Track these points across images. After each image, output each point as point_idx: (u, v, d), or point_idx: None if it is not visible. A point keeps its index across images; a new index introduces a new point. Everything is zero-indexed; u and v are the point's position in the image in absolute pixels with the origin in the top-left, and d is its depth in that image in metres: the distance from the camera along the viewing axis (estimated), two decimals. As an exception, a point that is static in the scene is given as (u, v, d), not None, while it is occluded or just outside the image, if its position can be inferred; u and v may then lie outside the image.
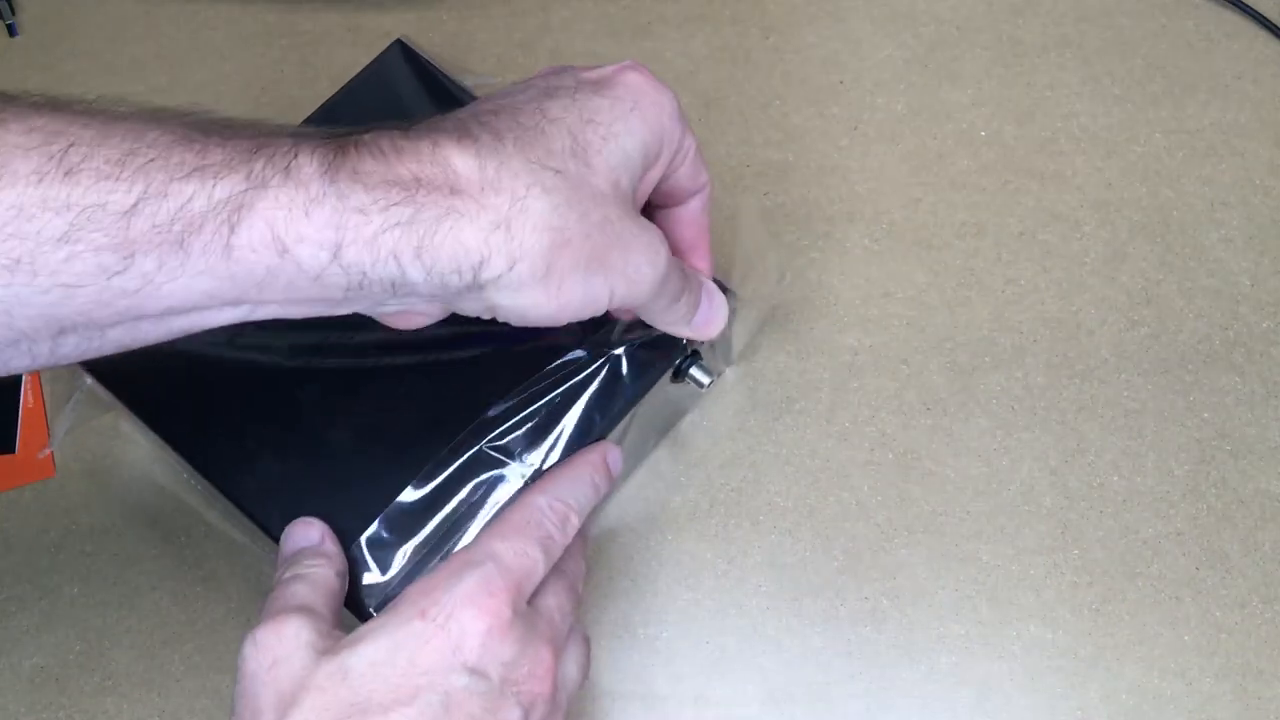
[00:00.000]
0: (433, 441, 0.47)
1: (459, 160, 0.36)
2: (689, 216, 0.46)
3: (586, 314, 0.39)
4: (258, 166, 0.35)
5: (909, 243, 0.60)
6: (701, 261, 0.47)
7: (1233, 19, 0.65)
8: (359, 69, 0.55)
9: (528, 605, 0.41)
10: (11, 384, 0.57)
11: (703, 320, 0.46)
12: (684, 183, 0.44)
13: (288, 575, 0.43)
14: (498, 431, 0.47)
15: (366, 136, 0.36)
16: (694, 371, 0.51)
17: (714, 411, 0.57)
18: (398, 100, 0.55)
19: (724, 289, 0.50)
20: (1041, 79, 0.64)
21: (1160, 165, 0.62)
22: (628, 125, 0.40)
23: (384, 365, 0.49)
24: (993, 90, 0.64)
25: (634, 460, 0.54)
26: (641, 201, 0.42)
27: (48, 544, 0.55)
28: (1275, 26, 0.65)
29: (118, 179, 0.34)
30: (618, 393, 0.49)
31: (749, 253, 0.52)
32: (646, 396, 0.49)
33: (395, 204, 0.35)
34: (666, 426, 0.56)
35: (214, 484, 0.48)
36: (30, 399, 0.57)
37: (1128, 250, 0.60)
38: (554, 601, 0.43)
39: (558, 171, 0.37)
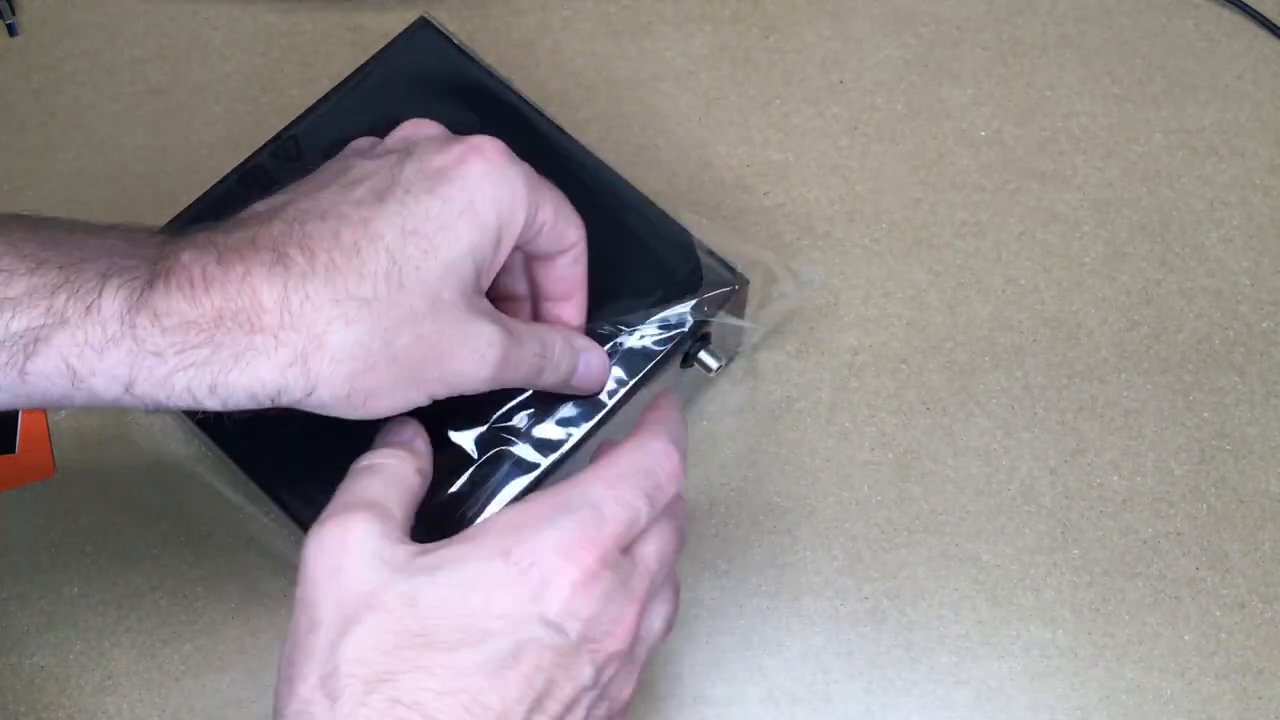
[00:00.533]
0: (457, 425, 0.47)
1: (265, 292, 0.37)
2: (558, 272, 0.46)
3: (403, 410, 0.40)
4: (59, 301, 0.36)
5: (909, 243, 0.60)
6: (572, 315, 0.47)
7: (1233, 19, 0.65)
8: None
9: (623, 554, 0.39)
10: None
11: (581, 381, 0.46)
12: (546, 246, 0.44)
13: (363, 464, 0.41)
14: (504, 410, 0.47)
15: (185, 257, 0.37)
16: (702, 356, 0.51)
17: (714, 411, 0.57)
18: (418, 79, 0.55)
19: (731, 270, 0.50)
20: (1041, 79, 0.64)
21: (1160, 165, 0.62)
22: (454, 234, 0.40)
23: None
24: (993, 90, 0.64)
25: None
26: (488, 281, 0.42)
27: (48, 544, 0.55)
28: (1275, 26, 0.65)
29: None
30: (626, 373, 0.48)
31: (767, 265, 0.53)
32: (654, 380, 0.49)
33: (192, 346, 0.36)
34: None
35: (232, 459, 0.48)
36: (30, 399, 0.57)
37: (1128, 250, 0.60)
38: (654, 549, 0.40)
39: (365, 301, 0.38)
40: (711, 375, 0.51)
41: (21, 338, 0.36)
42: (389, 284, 0.38)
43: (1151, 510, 0.55)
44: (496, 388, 0.42)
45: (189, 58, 0.65)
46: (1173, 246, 0.60)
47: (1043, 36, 0.65)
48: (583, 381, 0.47)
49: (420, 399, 0.40)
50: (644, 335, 0.49)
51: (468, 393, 0.41)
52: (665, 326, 0.49)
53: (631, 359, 0.49)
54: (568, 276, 0.46)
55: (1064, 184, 0.61)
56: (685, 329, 0.49)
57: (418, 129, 0.45)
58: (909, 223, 0.61)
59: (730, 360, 0.56)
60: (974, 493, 0.55)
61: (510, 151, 0.42)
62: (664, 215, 0.52)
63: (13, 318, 0.36)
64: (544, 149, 0.53)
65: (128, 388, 0.37)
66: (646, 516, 0.39)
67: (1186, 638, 0.53)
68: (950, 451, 0.56)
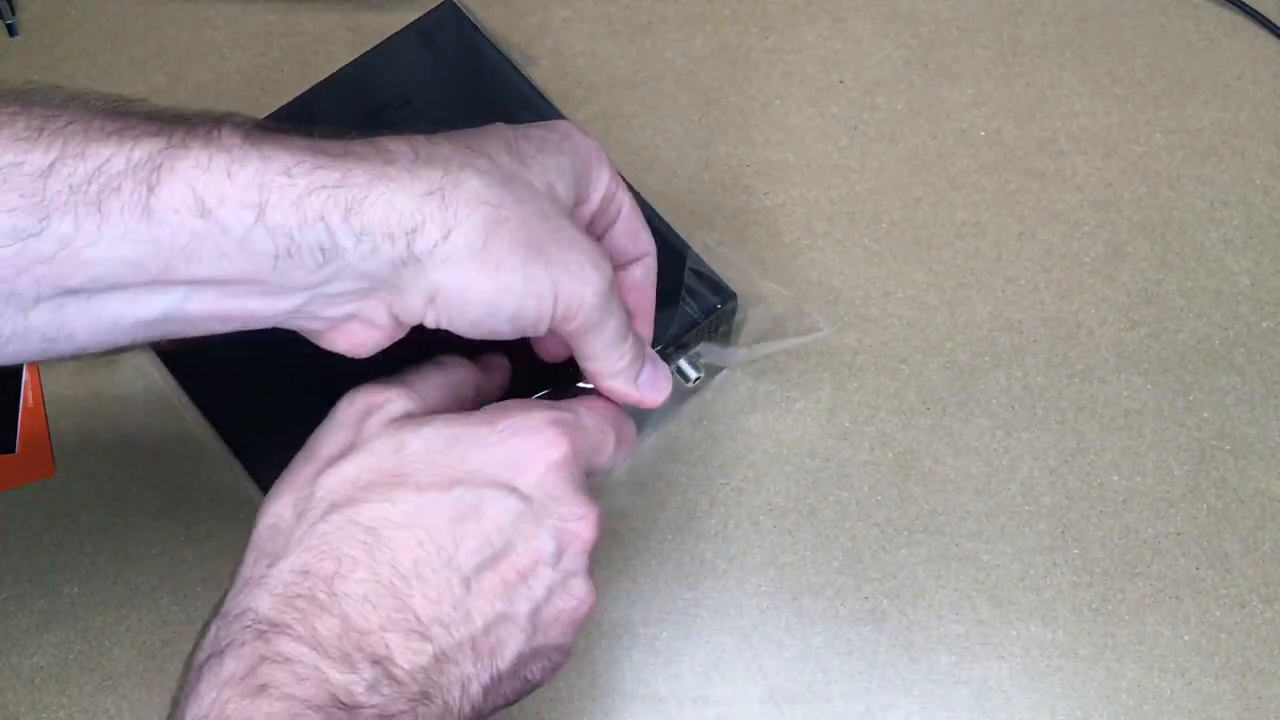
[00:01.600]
0: None
1: (392, 144, 0.37)
2: (630, 282, 0.45)
3: (530, 310, 0.38)
4: (179, 132, 0.34)
5: (909, 243, 0.60)
6: (645, 328, 0.47)
7: (1233, 19, 0.65)
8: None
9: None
10: (12, 384, 0.58)
11: (648, 381, 0.45)
12: (622, 242, 0.44)
13: (431, 361, 0.42)
14: None
15: (296, 133, 0.36)
16: (681, 364, 0.51)
17: (714, 411, 0.57)
18: (435, 58, 0.55)
19: (720, 289, 0.51)
20: (1041, 79, 0.64)
21: (1160, 165, 0.62)
22: (559, 148, 0.41)
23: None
24: (993, 90, 0.64)
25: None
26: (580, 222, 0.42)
27: (48, 544, 0.55)
28: (1275, 26, 0.65)
29: (34, 142, 0.33)
30: None
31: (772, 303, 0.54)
32: None
33: (322, 167, 0.35)
34: (658, 416, 0.56)
35: (229, 444, 0.49)
36: (30, 398, 0.57)
37: (1128, 250, 0.60)
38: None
39: (492, 159, 0.38)
40: (689, 385, 0.52)
41: (145, 165, 0.33)
42: (511, 156, 0.39)
43: (1151, 510, 0.55)
44: (596, 325, 0.40)
45: (189, 58, 0.65)
46: (1173, 246, 0.60)
47: (1043, 36, 0.65)
48: (648, 382, 0.44)
49: (546, 288, 0.38)
50: None
51: (577, 319, 0.39)
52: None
53: None
54: (640, 289, 0.46)
55: (1064, 184, 0.61)
56: (665, 337, 0.50)
57: None
58: (909, 223, 0.61)
59: (714, 374, 0.56)
60: (974, 493, 0.55)
61: None
62: (666, 226, 0.52)
63: (134, 147, 0.33)
64: None
65: (259, 214, 0.34)
66: (608, 454, 0.42)
67: (1186, 638, 0.53)
68: (950, 451, 0.56)
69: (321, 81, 0.55)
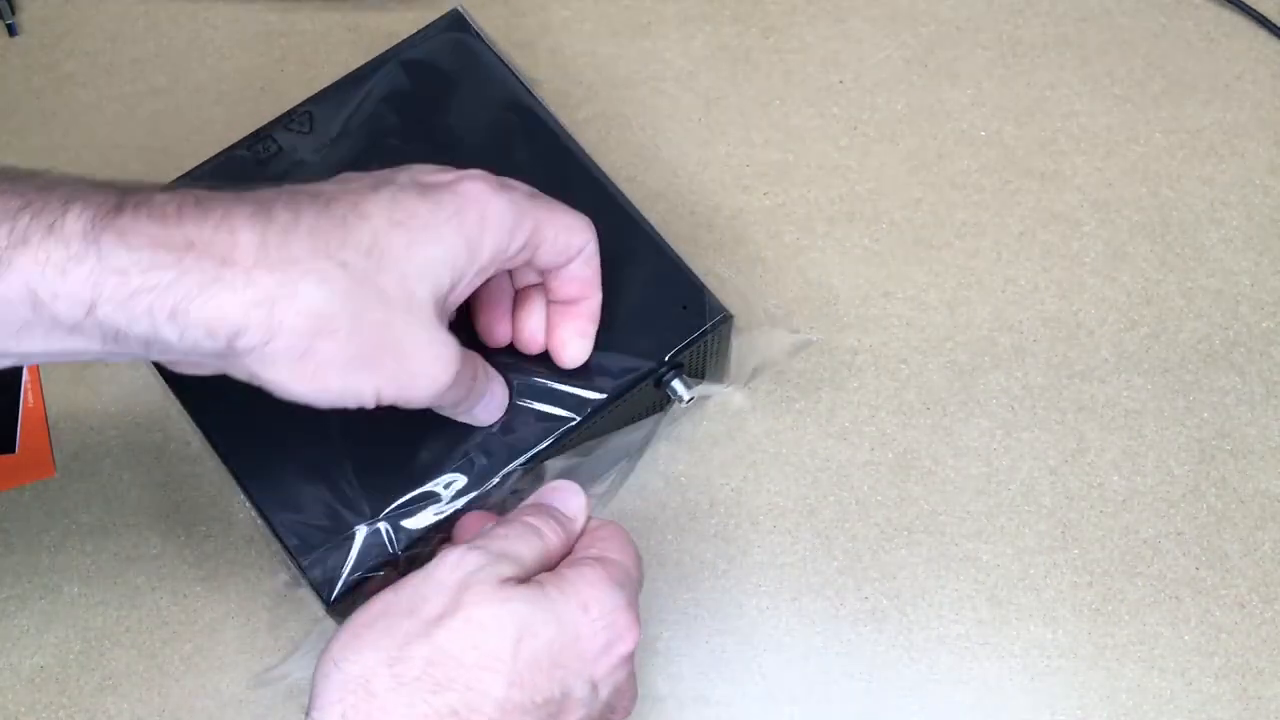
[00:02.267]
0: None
1: (244, 233, 0.37)
2: (569, 274, 0.46)
3: (349, 404, 0.40)
4: (22, 223, 0.35)
5: (909, 243, 0.60)
6: (587, 320, 0.48)
7: (1233, 19, 0.65)
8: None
9: None
10: (12, 384, 0.58)
11: (479, 416, 0.47)
12: (549, 260, 0.45)
13: (529, 520, 0.42)
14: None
15: (160, 197, 0.37)
16: (675, 384, 0.51)
17: (714, 412, 0.57)
18: (439, 69, 0.55)
19: (722, 312, 0.50)
20: (1041, 79, 0.64)
21: (1160, 165, 0.62)
22: (438, 234, 0.40)
23: None
24: (993, 90, 0.64)
25: (609, 461, 0.55)
26: (457, 301, 0.42)
27: (48, 544, 0.55)
28: (1275, 26, 0.65)
29: None
30: (597, 391, 0.49)
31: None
32: (625, 402, 0.50)
33: (158, 266, 0.36)
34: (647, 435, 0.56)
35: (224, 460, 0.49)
36: (30, 399, 0.57)
37: (1128, 250, 0.60)
38: None
39: (344, 265, 0.38)
40: (683, 405, 0.51)
41: None
42: (369, 259, 0.38)
43: (1151, 510, 0.55)
44: (430, 405, 0.43)
45: (189, 58, 0.65)
46: (1173, 246, 0.60)
47: (1043, 36, 0.65)
48: (484, 412, 0.47)
49: (367, 392, 0.40)
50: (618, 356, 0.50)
51: (409, 404, 0.41)
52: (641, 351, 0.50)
53: (603, 377, 0.49)
54: (579, 278, 0.46)
55: (1064, 184, 0.61)
56: (657, 359, 0.50)
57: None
58: (909, 223, 0.61)
59: (706, 397, 0.56)
60: (974, 493, 0.55)
61: (501, 181, 0.42)
62: (659, 239, 0.52)
63: None
64: (546, 156, 0.53)
65: (90, 309, 0.35)
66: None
67: (1186, 638, 0.53)
68: (950, 451, 0.56)
69: (325, 88, 0.55)
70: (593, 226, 0.45)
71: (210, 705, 0.52)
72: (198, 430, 0.50)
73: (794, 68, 0.64)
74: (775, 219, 0.61)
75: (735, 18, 0.65)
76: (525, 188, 0.44)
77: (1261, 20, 0.65)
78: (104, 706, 0.52)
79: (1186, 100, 0.63)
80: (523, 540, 0.41)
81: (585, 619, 0.39)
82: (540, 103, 0.54)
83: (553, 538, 0.42)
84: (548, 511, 0.43)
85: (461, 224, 0.40)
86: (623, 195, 0.53)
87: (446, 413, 0.46)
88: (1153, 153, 0.62)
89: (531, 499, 0.44)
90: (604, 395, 0.49)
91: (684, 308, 0.50)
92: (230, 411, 0.49)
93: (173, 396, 0.56)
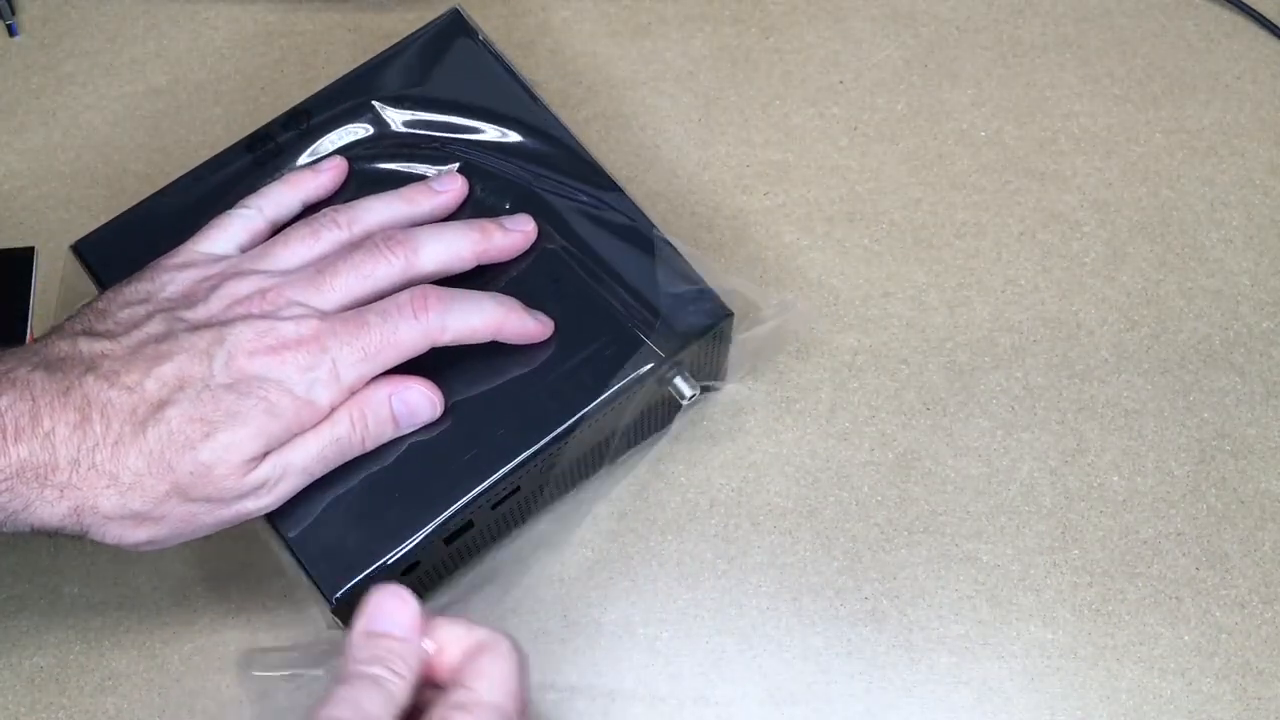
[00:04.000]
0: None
1: (63, 454, 0.42)
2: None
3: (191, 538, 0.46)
4: None
5: (909, 243, 0.60)
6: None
7: (1233, 19, 0.65)
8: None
9: None
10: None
11: (408, 421, 0.48)
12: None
13: (366, 665, 0.39)
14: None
15: (3, 402, 0.42)
16: (677, 381, 0.51)
17: (714, 412, 0.57)
18: (437, 68, 0.55)
19: (723, 310, 0.50)
20: (1041, 79, 0.64)
21: (1160, 165, 0.62)
22: (243, 419, 0.44)
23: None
24: (993, 90, 0.64)
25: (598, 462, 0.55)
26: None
27: (48, 544, 0.55)
28: (1275, 26, 0.65)
29: None
30: (597, 386, 0.49)
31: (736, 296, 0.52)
32: (631, 398, 0.49)
33: None
34: (649, 429, 0.56)
35: None
36: (30, 399, 0.57)
37: (1128, 250, 0.60)
38: None
39: (138, 475, 0.43)
40: (685, 402, 0.51)
41: None
42: (162, 464, 0.43)
43: (1151, 510, 0.55)
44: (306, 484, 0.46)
45: (189, 58, 0.65)
46: (1173, 246, 0.60)
47: (1043, 36, 0.65)
48: (411, 421, 0.48)
49: (208, 531, 0.46)
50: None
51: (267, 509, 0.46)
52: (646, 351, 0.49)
53: (604, 375, 0.49)
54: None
55: (1064, 184, 0.61)
56: (658, 359, 0.49)
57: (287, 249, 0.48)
58: (909, 223, 0.61)
59: (701, 392, 0.54)
60: (974, 493, 0.55)
61: (325, 346, 0.45)
62: (662, 240, 0.52)
63: None
64: (547, 156, 0.53)
65: None
66: None
67: (1186, 638, 0.53)
68: (950, 451, 0.56)
69: (323, 88, 0.55)
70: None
71: (210, 705, 0.52)
72: None
73: (794, 68, 0.64)
74: (775, 219, 0.61)
75: (735, 18, 0.65)
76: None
77: (1261, 20, 0.65)
78: (104, 706, 0.52)
79: (1186, 100, 0.63)
80: (366, 700, 0.38)
81: None
82: (541, 102, 0.54)
83: (397, 682, 0.39)
84: (380, 647, 0.39)
85: (271, 409, 0.44)
86: (624, 193, 0.53)
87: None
88: (1153, 153, 0.62)
89: (359, 624, 0.40)
90: (607, 392, 0.49)
91: (685, 305, 0.50)
92: None
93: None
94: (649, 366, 0.49)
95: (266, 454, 0.44)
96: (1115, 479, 0.55)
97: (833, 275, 0.59)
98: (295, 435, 0.45)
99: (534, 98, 0.54)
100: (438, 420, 0.48)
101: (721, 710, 0.52)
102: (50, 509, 0.43)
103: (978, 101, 0.63)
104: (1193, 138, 0.62)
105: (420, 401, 0.47)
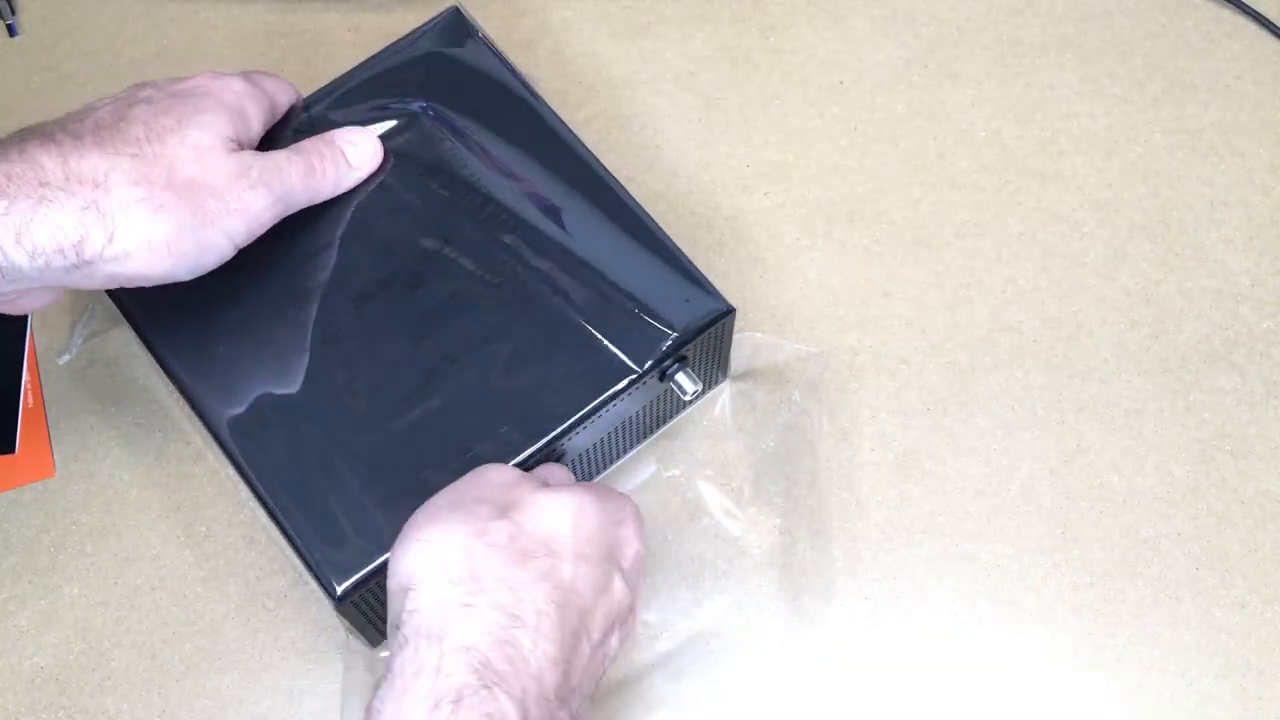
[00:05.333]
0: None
1: (44, 159, 0.42)
2: None
3: (211, 261, 0.46)
4: None
5: (909, 243, 0.60)
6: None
7: (1233, 19, 0.65)
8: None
9: None
10: (12, 384, 0.58)
11: (361, 162, 0.52)
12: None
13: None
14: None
15: None
16: (679, 378, 0.50)
17: (714, 412, 0.57)
18: (437, 66, 0.55)
19: (725, 305, 0.50)
20: (1041, 79, 0.64)
21: (1160, 165, 0.62)
22: (198, 106, 0.47)
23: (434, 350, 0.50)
24: (993, 90, 0.64)
25: (613, 452, 0.55)
26: (257, 138, 0.50)
27: (48, 544, 0.55)
28: (1275, 26, 0.65)
29: None
30: (602, 382, 0.49)
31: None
32: (631, 393, 0.49)
33: None
34: (651, 426, 0.56)
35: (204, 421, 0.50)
36: (30, 399, 0.57)
37: (1128, 250, 0.60)
38: None
39: (133, 155, 0.44)
40: (686, 398, 0.51)
41: None
42: (149, 142, 0.44)
43: (1151, 510, 0.55)
44: (293, 208, 0.49)
45: (189, 58, 0.65)
46: (1173, 246, 0.60)
47: (1043, 36, 0.65)
48: (363, 162, 0.52)
49: (222, 241, 0.46)
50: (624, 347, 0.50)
51: (263, 224, 0.47)
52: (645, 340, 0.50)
53: (603, 373, 0.49)
54: None
55: (1064, 184, 0.61)
56: (661, 348, 0.49)
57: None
58: (909, 223, 0.61)
59: (711, 386, 0.56)
60: (974, 493, 0.55)
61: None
62: (662, 234, 0.52)
63: None
64: (547, 154, 0.53)
65: None
66: None
67: (1186, 638, 0.53)
68: (950, 451, 0.56)
69: (324, 87, 0.55)
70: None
71: (210, 705, 0.52)
72: (201, 426, 0.50)
73: (794, 68, 0.64)
74: (775, 219, 0.61)
75: (735, 18, 0.65)
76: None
77: (1262, 20, 0.65)
78: (104, 706, 0.52)
79: (1186, 100, 0.63)
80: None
81: (614, 514, 0.45)
82: (540, 101, 0.54)
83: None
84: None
85: (217, 99, 0.47)
86: (625, 191, 0.53)
87: (333, 191, 0.52)
88: (1153, 153, 0.62)
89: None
90: (602, 395, 0.49)
91: (687, 301, 0.50)
92: (240, 407, 0.49)
93: (173, 401, 0.56)
94: (649, 363, 0.49)
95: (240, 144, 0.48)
96: (1115, 479, 0.55)
97: (833, 275, 0.59)
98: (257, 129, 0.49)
99: (534, 96, 0.55)
100: (447, 415, 0.48)
101: (721, 710, 0.52)
102: (62, 208, 0.42)
103: (978, 101, 0.63)
104: (1193, 138, 0.62)
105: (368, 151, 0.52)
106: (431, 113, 0.54)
